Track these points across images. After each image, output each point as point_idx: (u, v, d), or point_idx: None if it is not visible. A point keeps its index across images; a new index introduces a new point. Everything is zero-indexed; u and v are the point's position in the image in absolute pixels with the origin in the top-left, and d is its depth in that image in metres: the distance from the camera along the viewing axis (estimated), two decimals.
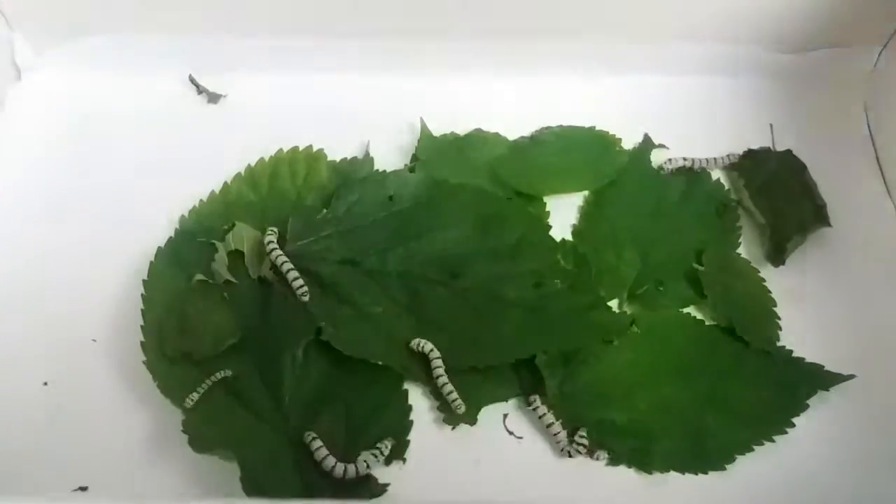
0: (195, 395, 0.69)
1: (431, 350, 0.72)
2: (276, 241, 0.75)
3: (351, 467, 0.68)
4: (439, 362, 0.71)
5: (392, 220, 0.78)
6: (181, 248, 0.76)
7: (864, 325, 0.79)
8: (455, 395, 0.71)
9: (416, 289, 0.75)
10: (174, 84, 0.89)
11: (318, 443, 0.68)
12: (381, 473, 0.70)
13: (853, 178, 0.86)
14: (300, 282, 0.73)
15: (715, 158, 0.85)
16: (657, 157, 0.86)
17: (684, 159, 0.84)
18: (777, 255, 0.81)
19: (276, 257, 0.74)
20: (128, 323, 0.73)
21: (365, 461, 0.68)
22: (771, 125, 0.89)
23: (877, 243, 0.83)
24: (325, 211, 0.78)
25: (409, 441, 0.71)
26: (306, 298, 0.73)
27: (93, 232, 0.80)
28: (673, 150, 0.87)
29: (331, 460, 0.68)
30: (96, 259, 0.78)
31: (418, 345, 0.72)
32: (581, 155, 0.85)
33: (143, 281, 0.74)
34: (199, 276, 0.74)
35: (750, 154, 0.86)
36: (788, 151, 0.86)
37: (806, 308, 0.79)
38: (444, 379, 0.71)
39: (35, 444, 0.70)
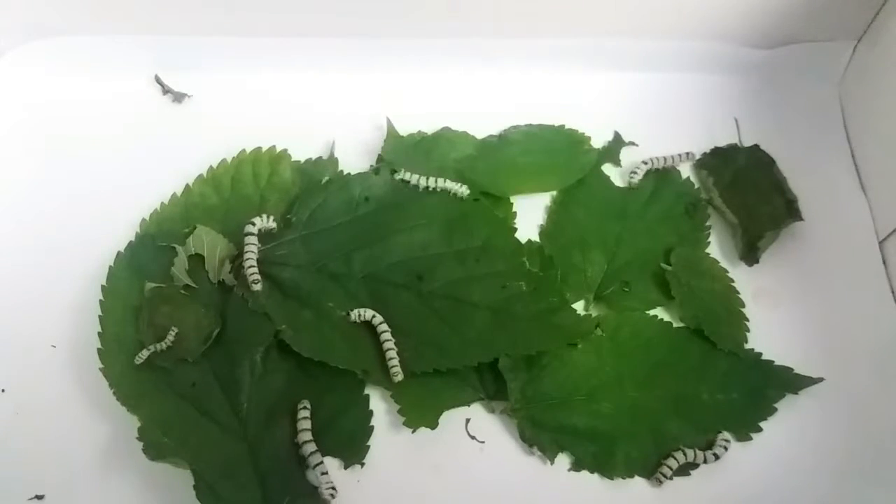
0: (144, 353, 0.70)
1: (374, 316, 0.72)
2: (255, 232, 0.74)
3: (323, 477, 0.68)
4: (385, 327, 0.71)
5: (357, 223, 0.78)
6: (141, 253, 0.76)
7: (835, 326, 0.77)
8: (396, 362, 0.70)
9: (380, 292, 0.74)
10: (138, 85, 0.88)
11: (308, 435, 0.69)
12: (341, 478, 0.69)
13: (828, 174, 0.85)
14: (254, 269, 0.73)
15: (678, 155, 0.84)
16: (626, 156, 0.85)
17: (644, 163, 0.83)
18: (750, 254, 0.80)
19: (247, 246, 0.73)
20: (87, 328, 0.72)
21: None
22: (736, 120, 0.87)
23: (851, 239, 0.82)
24: (288, 216, 0.77)
25: (368, 446, 0.70)
26: (258, 287, 0.72)
27: (52, 236, 0.79)
28: (644, 148, 0.85)
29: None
30: (56, 263, 0.77)
31: (359, 315, 0.72)
32: (549, 154, 0.84)
33: (102, 287, 0.74)
34: (151, 285, 0.73)
35: (717, 151, 0.85)
36: (756, 146, 0.85)
37: (778, 308, 0.78)
38: (391, 344, 0.71)
39: None
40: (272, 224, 0.76)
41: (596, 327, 0.74)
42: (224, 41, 0.86)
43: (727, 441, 0.71)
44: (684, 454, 0.69)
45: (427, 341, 0.72)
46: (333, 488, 0.67)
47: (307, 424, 0.69)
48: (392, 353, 0.70)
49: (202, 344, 0.72)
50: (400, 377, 0.70)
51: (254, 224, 0.75)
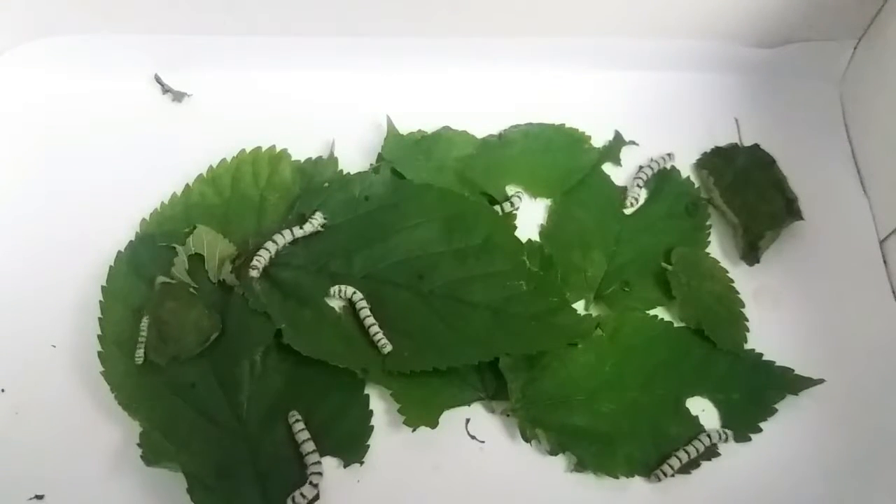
0: (141, 352, 0.71)
1: (354, 293, 0.72)
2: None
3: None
4: (364, 303, 0.72)
5: (357, 222, 0.77)
6: (141, 253, 0.75)
7: (835, 325, 0.77)
8: (381, 335, 0.71)
9: (380, 292, 0.74)
10: (138, 84, 0.87)
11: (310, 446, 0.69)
12: (340, 478, 0.69)
13: (828, 173, 0.85)
14: (261, 260, 0.73)
15: (662, 157, 0.84)
16: (626, 156, 0.85)
17: (639, 186, 0.82)
18: (751, 254, 0.80)
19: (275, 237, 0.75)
20: (87, 328, 0.72)
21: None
22: (736, 120, 0.87)
23: (851, 238, 0.82)
24: (289, 217, 0.77)
25: (368, 446, 0.70)
26: (255, 273, 0.73)
27: (52, 235, 0.79)
28: (644, 148, 0.85)
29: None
30: (56, 263, 0.77)
31: (339, 291, 0.72)
32: (550, 155, 0.84)
33: (102, 287, 0.73)
34: (162, 279, 0.73)
35: (718, 150, 0.85)
36: (756, 146, 0.85)
37: (779, 308, 0.78)
38: (372, 320, 0.71)
39: None
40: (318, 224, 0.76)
41: (596, 327, 0.74)
42: (224, 40, 0.86)
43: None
44: (687, 453, 0.70)
45: (427, 341, 0.72)
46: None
47: (306, 435, 0.69)
48: (375, 328, 0.71)
49: (199, 346, 0.71)
50: (389, 348, 0.71)
51: (300, 228, 0.75)
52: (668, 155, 0.84)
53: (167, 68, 0.87)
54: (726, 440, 0.71)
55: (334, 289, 0.73)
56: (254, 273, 0.73)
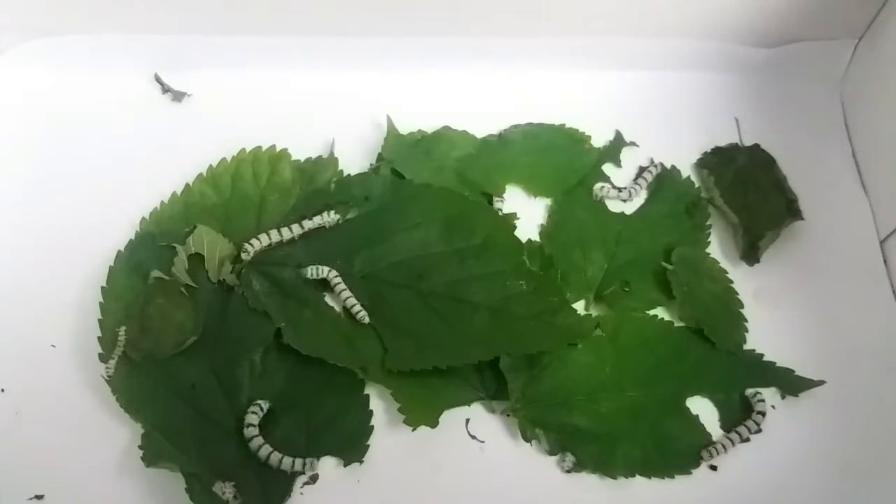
0: (112, 364, 0.70)
1: (330, 272, 0.73)
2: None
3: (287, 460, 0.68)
4: (339, 280, 0.74)
5: (357, 223, 0.78)
6: (141, 252, 0.75)
7: (836, 325, 0.77)
8: (359, 307, 0.72)
9: (380, 292, 0.74)
10: (138, 83, 0.87)
11: (254, 431, 0.69)
12: (339, 477, 0.69)
13: (828, 173, 0.85)
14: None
15: (652, 168, 0.84)
16: (626, 156, 0.85)
17: (613, 187, 0.83)
18: (751, 254, 0.80)
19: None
20: (87, 328, 0.73)
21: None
22: (736, 119, 0.87)
23: (851, 238, 0.82)
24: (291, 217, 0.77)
25: (368, 446, 0.70)
26: (246, 256, 0.74)
27: (52, 234, 0.79)
28: (644, 148, 0.86)
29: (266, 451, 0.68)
30: (56, 262, 0.77)
31: (315, 271, 0.73)
32: (550, 155, 0.84)
33: (102, 289, 0.73)
34: (157, 274, 0.73)
35: (718, 150, 0.85)
36: (756, 146, 0.85)
37: (779, 307, 0.78)
38: (348, 293, 0.73)
39: None
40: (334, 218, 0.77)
41: (596, 327, 0.74)
42: (224, 40, 0.86)
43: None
44: (731, 441, 0.70)
45: (427, 340, 0.72)
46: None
47: (253, 420, 0.69)
48: (352, 300, 0.72)
49: (175, 347, 0.71)
50: (367, 319, 0.72)
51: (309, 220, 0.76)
52: (659, 164, 0.84)
53: (167, 68, 0.87)
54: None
55: (310, 269, 0.73)
56: (244, 256, 0.73)
